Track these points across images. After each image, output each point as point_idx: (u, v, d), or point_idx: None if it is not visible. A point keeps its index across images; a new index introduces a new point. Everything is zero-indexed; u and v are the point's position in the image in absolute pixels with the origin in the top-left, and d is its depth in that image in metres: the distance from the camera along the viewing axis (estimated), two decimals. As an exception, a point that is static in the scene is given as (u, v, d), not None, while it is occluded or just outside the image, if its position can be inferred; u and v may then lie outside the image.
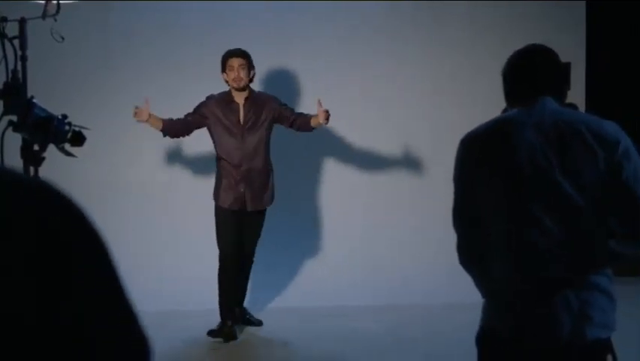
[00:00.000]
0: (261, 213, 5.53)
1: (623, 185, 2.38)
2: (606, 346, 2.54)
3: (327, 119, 5.35)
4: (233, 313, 5.46)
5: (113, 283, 1.07)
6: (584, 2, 6.79)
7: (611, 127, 2.46)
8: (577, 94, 6.45)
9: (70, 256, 1.01)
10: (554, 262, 2.40)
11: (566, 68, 2.76)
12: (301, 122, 5.50)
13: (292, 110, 5.60)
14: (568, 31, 6.63)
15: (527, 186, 2.42)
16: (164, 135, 5.50)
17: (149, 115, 5.27)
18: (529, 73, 2.53)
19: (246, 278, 5.66)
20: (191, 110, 5.48)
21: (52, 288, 0.98)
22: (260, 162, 5.44)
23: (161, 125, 5.36)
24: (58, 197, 1.05)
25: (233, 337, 5.37)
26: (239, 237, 5.43)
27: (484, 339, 2.56)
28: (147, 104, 5.24)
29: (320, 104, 5.35)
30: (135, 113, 5.25)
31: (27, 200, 1.02)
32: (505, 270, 2.48)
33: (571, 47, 6.53)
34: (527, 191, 2.42)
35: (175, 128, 5.43)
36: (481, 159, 2.51)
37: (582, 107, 6.43)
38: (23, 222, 0.99)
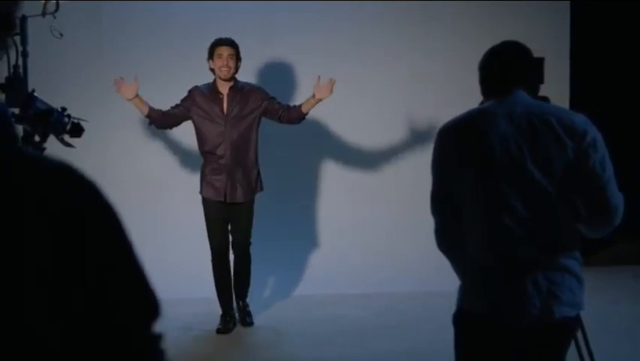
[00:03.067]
0: (247, 205, 5.45)
1: (589, 173, 2.51)
2: (574, 323, 2.70)
3: (331, 90, 5.34)
4: (231, 304, 5.56)
5: (126, 247, 1.22)
6: (568, 2, 6.93)
7: (579, 119, 2.60)
8: (561, 90, 6.62)
9: (91, 224, 1.17)
10: (525, 245, 2.54)
11: (539, 62, 2.92)
12: (292, 113, 5.43)
13: (280, 102, 5.49)
14: (553, 29, 6.78)
15: (500, 173, 2.56)
16: (150, 124, 5.48)
17: (136, 95, 5.25)
18: (502, 67, 2.67)
19: (247, 274, 5.60)
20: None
21: (75, 249, 1.14)
22: (244, 154, 5.39)
23: (147, 111, 5.33)
24: (79, 175, 1.20)
25: (229, 330, 5.49)
26: (226, 228, 5.46)
27: (460, 318, 2.70)
28: (135, 83, 5.22)
29: (319, 79, 5.32)
30: (116, 84, 5.23)
31: (54, 177, 1.17)
32: (479, 252, 2.62)
33: (556, 45, 6.70)
34: (500, 178, 2.56)
35: (162, 119, 5.40)
36: (457, 148, 2.65)
37: (566, 102, 6.58)
38: (52, 194, 1.14)
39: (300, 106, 5.45)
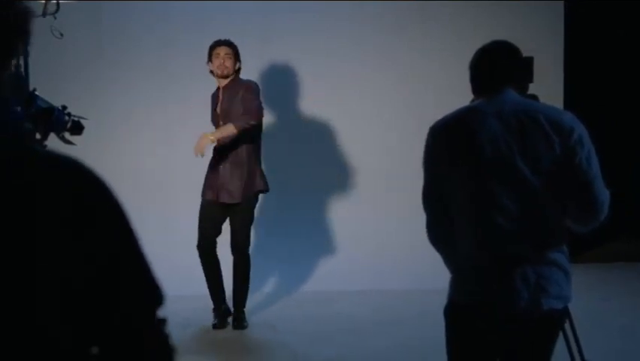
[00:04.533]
0: (243, 206, 5.40)
1: (576, 169, 2.58)
2: (562, 315, 2.77)
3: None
4: (222, 297, 5.59)
5: (131, 239, 1.29)
6: (562, 2, 6.99)
7: (566, 116, 2.67)
8: (555, 89, 6.69)
9: (101, 221, 1.24)
10: (514, 240, 2.61)
11: (528, 62, 2.99)
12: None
13: (246, 107, 5.30)
14: (547, 29, 6.85)
15: (489, 169, 2.62)
16: None
17: (212, 138, 5.19)
18: (492, 66, 2.73)
19: (243, 280, 5.52)
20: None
21: (85, 246, 1.20)
22: (234, 151, 5.34)
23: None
24: (89, 172, 1.27)
25: (224, 325, 5.55)
26: (215, 226, 5.47)
27: (451, 311, 2.77)
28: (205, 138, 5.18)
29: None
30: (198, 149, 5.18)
31: (65, 174, 1.23)
32: (469, 247, 2.69)
33: (550, 44, 6.78)
34: (489, 174, 2.62)
35: None
36: (447, 146, 2.72)
37: (560, 101, 6.65)
38: (63, 191, 1.20)
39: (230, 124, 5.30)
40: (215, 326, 5.53)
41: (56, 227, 1.17)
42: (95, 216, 1.22)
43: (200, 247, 5.51)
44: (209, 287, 5.58)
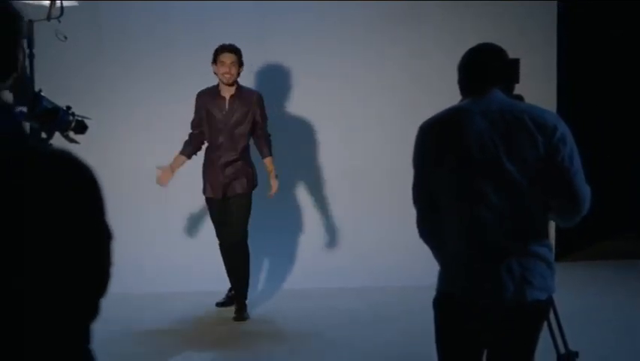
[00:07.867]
0: (243, 199, 5.64)
1: (559, 166, 2.68)
2: (546, 306, 2.87)
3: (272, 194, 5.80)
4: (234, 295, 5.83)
5: (98, 229, 1.45)
6: (555, 2, 7.07)
7: (550, 115, 2.77)
8: (549, 89, 6.78)
9: (75, 203, 1.38)
10: (500, 236, 2.71)
11: (514, 63, 3.10)
12: (259, 145, 5.80)
13: (264, 126, 5.76)
14: (541, 30, 6.94)
15: (476, 166, 2.72)
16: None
17: (172, 169, 5.69)
18: (478, 68, 2.84)
19: (242, 269, 5.73)
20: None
21: (59, 222, 1.34)
22: (238, 153, 5.65)
23: (186, 159, 5.74)
24: (68, 159, 1.40)
25: (224, 305, 5.87)
26: (224, 223, 5.70)
27: (439, 302, 2.88)
28: (165, 168, 5.68)
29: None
30: (160, 180, 5.69)
31: (47, 163, 1.37)
32: (458, 244, 2.79)
33: (543, 45, 6.87)
34: (476, 172, 2.72)
35: (196, 145, 5.79)
36: (436, 144, 2.82)
37: (554, 102, 6.74)
38: (45, 177, 1.33)
39: (263, 154, 5.81)
40: (217, 304, 5.88)
41: (40, 208, 1.30)
42: (69, 197, 1.36)
43: (220, 243, 5.76)
44: (229, 276, 5.85)
